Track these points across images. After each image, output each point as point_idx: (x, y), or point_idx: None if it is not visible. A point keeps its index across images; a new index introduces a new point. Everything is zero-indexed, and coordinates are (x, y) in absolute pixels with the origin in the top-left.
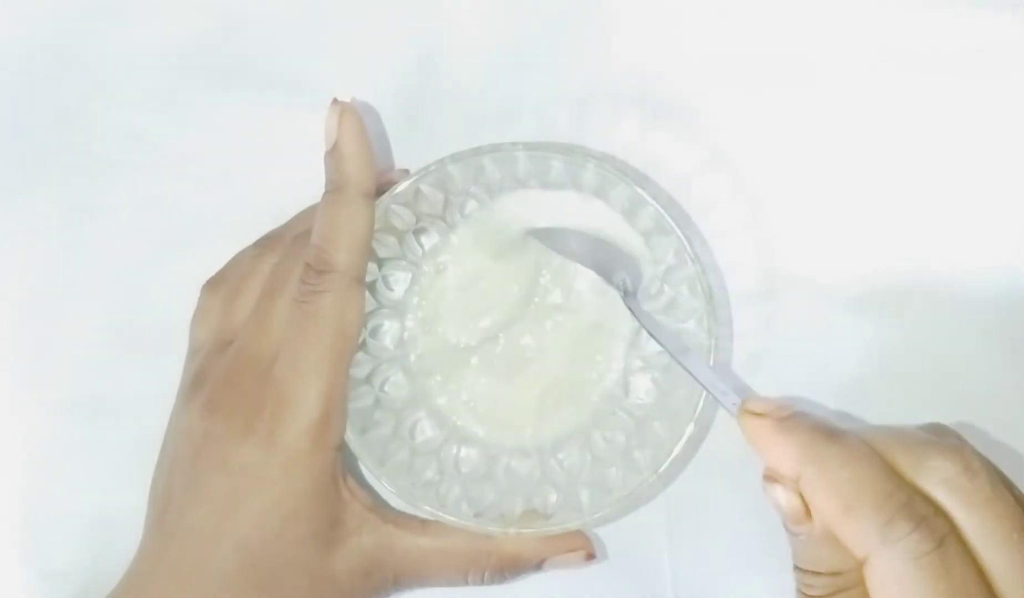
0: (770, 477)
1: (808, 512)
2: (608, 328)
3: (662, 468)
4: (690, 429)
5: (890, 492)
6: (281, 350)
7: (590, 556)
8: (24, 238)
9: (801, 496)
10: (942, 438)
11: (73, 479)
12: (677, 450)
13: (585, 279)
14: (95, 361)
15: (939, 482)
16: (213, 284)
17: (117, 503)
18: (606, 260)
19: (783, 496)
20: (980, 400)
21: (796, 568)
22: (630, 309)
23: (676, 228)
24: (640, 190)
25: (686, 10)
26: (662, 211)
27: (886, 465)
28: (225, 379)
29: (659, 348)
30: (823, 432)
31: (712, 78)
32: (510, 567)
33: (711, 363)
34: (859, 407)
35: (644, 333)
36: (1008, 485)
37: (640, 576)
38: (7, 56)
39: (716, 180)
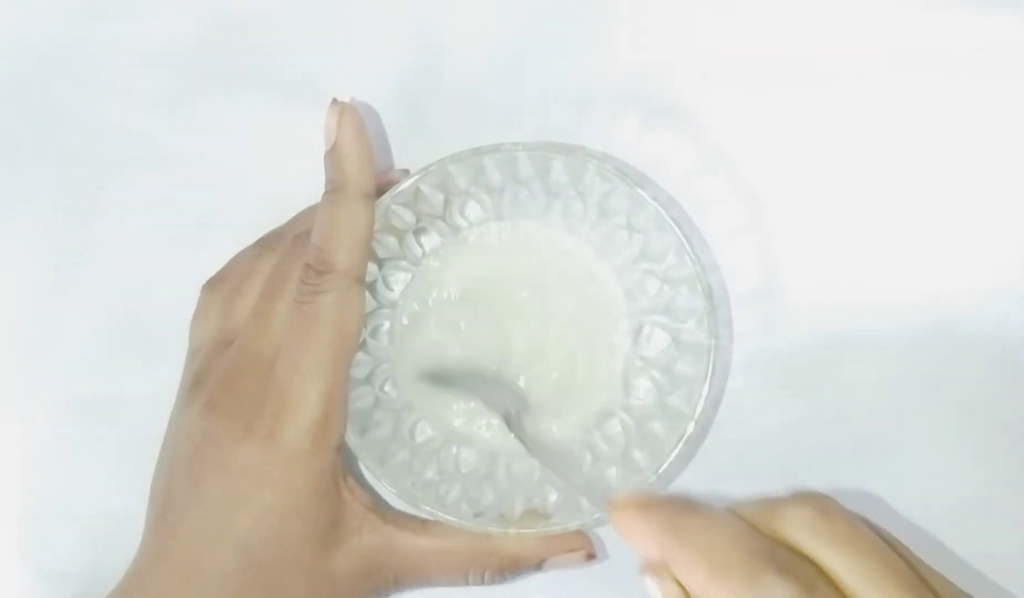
0: (646, 570)
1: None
2: (608, 330)
3: (662, 468)
4: (690, 429)
5: (752, 548)
6: (281, 350)
7: (590, 556)
8: (24, 238)
9: (678, 582)
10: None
11: (73, 479)
12: (677, 450)
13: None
14: (95, 361)
15: (799, 528)
16: (213, 284)
17: (117, 503)
18: (488, 388)
19: (659, 585)
20: (980, 399)
21: None
22: (516, 436)
23: (676, 228)
24: (640, 190)
25: (686, 10)
26: (662, 211)
27: (747, 525)
28: (225, 379)
29: (660, 349)
30: (682, 506)
31: (712, 78)
32: (510, 567)
33: (711, 364)
34: (859, 407)
35: (645, 333)
36: (875, 532)
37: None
38: (7, 56)
39: (716, 180)
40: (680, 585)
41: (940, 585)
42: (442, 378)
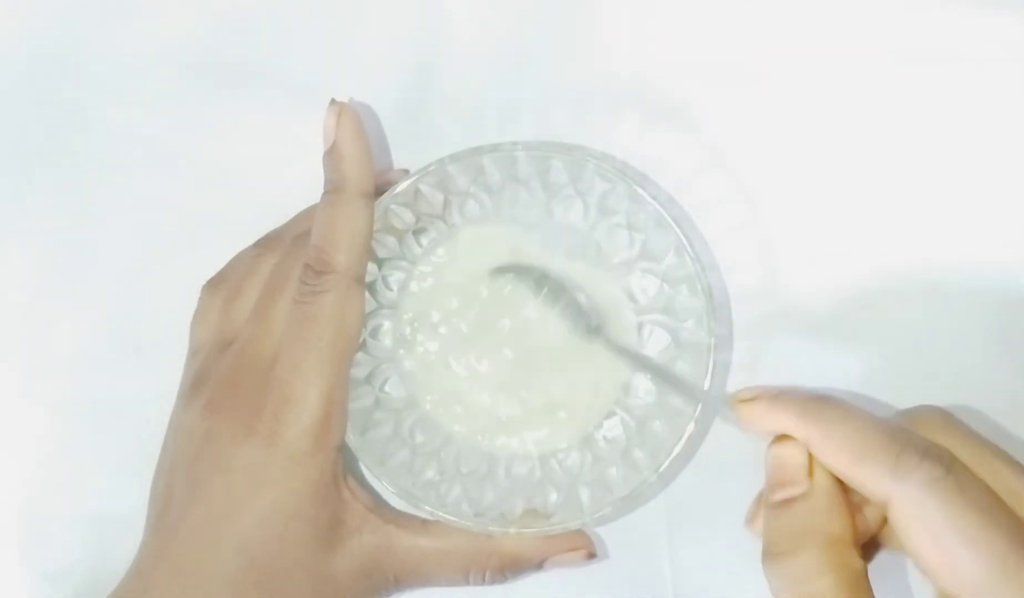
0: (779, 439)
1: (810, 470)
2: (605, 334)
3: (662, 468)
4: (690, 429)
5: (892, 434)
6: (281, 350)
7: (591, 555)
8: (24, 238)
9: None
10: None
11: (73, 479)
12: (677, 450)
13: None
14: (95, 361)
15: (933, 426)
16: (213, 284)
17: (117, 503)
18: (570, 298)
19: (791, 453)
20: (980, 401)
21: (765, 560)
22: (604, 343)
23: (676, 227)
24: (640, 190)
25: (686, 10)
26: (662, 210)
27: (880, 417)
28: (226, 379)
29: (660, 349)
30: (814, 398)
31: (712, 78)
32: (511, 567)
33: (711, 364)
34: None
35: (645, 332)
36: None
37: (640, 576)
38: (7, 56)
39: (716, 180)
40: (809, 456)
41: None
42: (523, 271)
